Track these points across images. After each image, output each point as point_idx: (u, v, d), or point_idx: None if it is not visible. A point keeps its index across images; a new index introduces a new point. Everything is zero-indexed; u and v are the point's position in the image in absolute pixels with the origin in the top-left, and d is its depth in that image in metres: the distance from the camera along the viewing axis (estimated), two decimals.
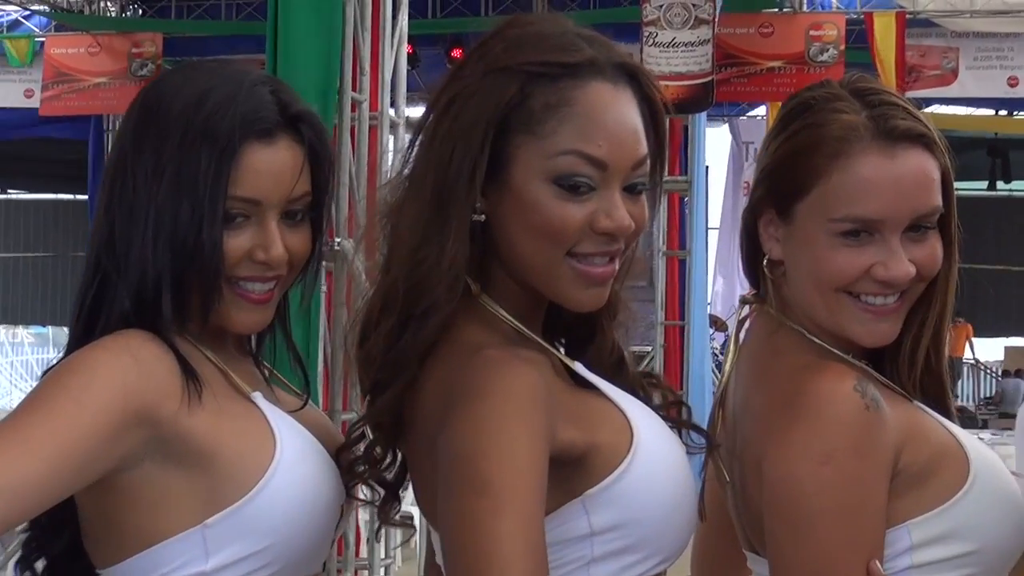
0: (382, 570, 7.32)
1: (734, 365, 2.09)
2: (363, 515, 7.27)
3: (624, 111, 1.92)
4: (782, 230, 2.04)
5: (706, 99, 13.39)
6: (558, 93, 1.88)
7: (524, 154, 1.88)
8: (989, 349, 27.10)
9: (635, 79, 1.95)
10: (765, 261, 2.07)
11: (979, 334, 25.06)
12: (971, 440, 2.02)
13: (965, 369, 28.28)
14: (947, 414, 2.06)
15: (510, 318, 1.93)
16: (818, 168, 1.98)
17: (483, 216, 1.90)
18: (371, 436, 2.00)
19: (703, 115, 14.15)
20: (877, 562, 1.86)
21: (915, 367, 2.06)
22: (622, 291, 2.04)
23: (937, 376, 2.09)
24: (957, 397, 25.30)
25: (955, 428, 2.03)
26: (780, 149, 2.04)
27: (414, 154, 1.97)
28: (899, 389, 2.02)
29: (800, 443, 1.88)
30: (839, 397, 1.89)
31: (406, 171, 1.97)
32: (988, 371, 27.66)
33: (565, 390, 1.89)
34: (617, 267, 1.94)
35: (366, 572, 7.43)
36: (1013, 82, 16.74)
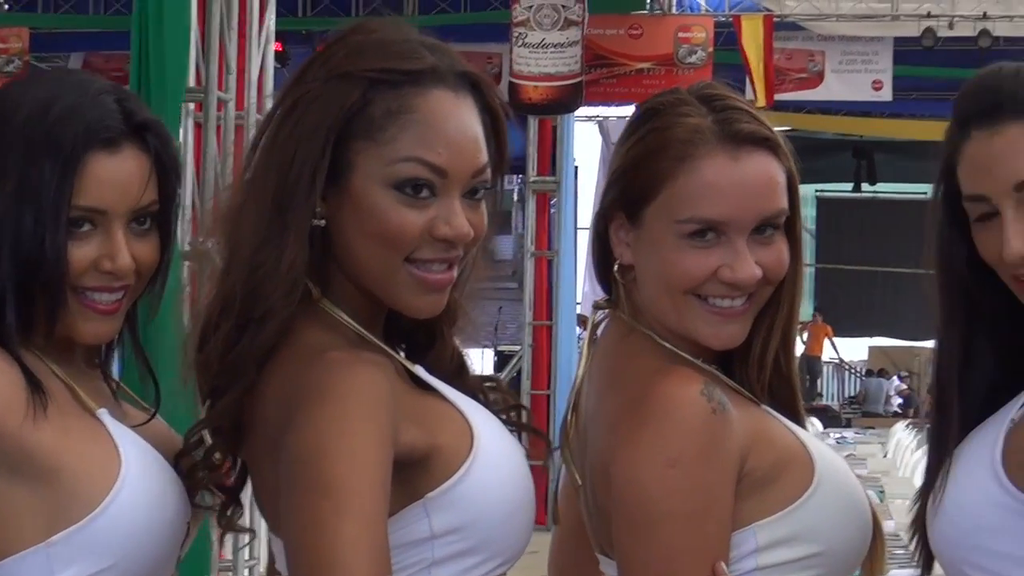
0: (246, 571, 7.26)
1: (587, 369, 2.09)
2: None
3: (465, 119, 1.94)
4: (632, 234, 2.04)
5: (575, 100, 13.48)
6: (399, 100, 1.90)
7: (364, 160, 1.89)
8: (854, 349, 27.57)
9: (477, 88, 1.98)
10: (616, 266, 2.07)
11: (844, 334, 25.49)
12: (816, 444, 2.04)
13: (829, 369, 28.75)
14: (796, 417, 2.08)
15: (351, 322, 1.94)
16: (665, 171, 1.99)
17: (323, 221, 1.91)
18: (210, 441, 1.99)
19: (572, 116, 14.23)
20: (723, 564, 1.88)
21: (764, 370, 2.07)
22: (463, 297, 2.06)
23: (787, 379, 2.11)
24: (820, 396, 25.72)
25: (801, 432, 2.05)
26: (628, 154, 2.05)
27: (256, 158, 1.97)
28: (747, 393, 2.04)
29: (647, 446, 1.89)
30: (686, 401, 1.90)
31: (247, 175, 1.97)
32: (852, 371, 28.13)
33: (407, 392, 1.91)
34: (455, 274, 1.96)
35: (231, 574, 7.38)
36: (878, 85, 17.03)
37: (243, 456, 1.98)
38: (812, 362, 22.95)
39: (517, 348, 14.03)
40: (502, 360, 17.54)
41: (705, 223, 1.97)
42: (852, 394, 27.39)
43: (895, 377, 26.11)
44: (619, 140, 2.10)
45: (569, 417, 2.09)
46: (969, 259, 2.05)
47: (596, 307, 2.14)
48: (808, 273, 27.15)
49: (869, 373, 26.32)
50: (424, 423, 1.88)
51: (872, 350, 26.54)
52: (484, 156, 1.95)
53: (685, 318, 2.00)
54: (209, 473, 1.99)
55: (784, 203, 2.03)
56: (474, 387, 2.05)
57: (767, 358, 2.06)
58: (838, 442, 12.79)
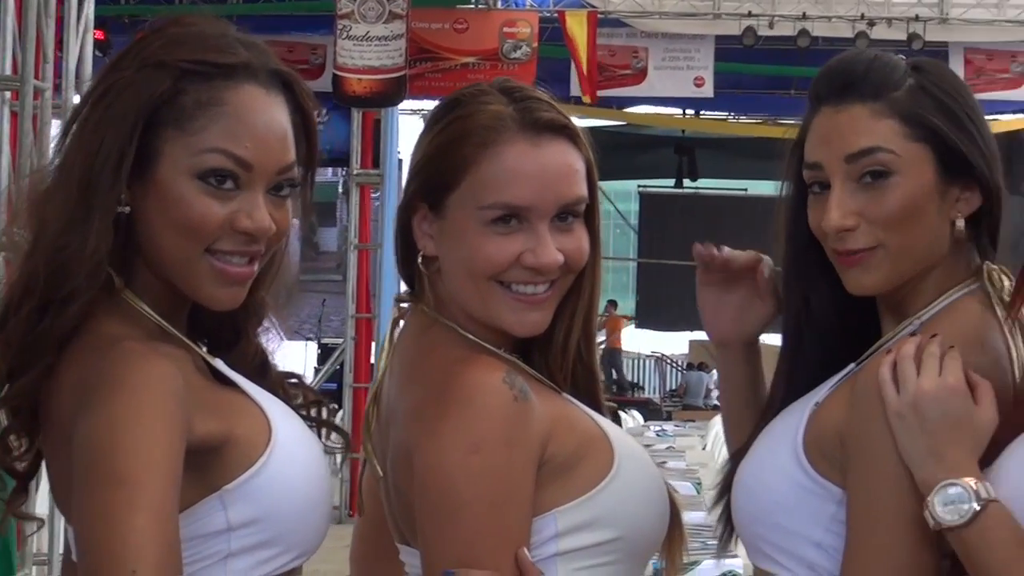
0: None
1: (389, 363, 2.10)
2: (43, 509, 7.08)
3: (274, 116, 1.97)
4: (435, 225, 2.06)
5: (399, 93, 13.47)
6: (210, 92, 1.92)
7: (171, 149, 1.91)
8: (675, 343, 27.95)
9: (289, 87, 2.01)
10: (420, 258, 2.09)
11: (665, 328, 25.81)
12: (616, 431, 2.08)
13: (651, 363, 29.12)
14: (597, 405, 2.12)
15: (152, 313, 1.95)
16: (467, 158, 2.01)
17: (127, 208, 1.92)
18: (7, 423, 1.98)
19: (396, 109, 14.21)
20: (524, 550, 1.90)
21: (567, 358, 2.10)
22: (280, 292, 2.10)
23: (588, 367, 2.14)
24: (639, 388, 26.03)
25: (601, 420, 2.08)
26: (431, 144, 2.06)
27: (66, 143, 1.97)
28: (548, 381, 2.07)
29: (450, 434, 1.90)
30: (488, 389, 1.92)
31: (57, 160, 1.97)
32: (673, 364, 28.51)
33: (205, 386, 1.93)
34: (256, 269, 1.98)
35: (45, 567, 7.26)
36: (699, 82, 17.27)
37: (40, 443, 1.96)
38: (613, 354, 23.14)
39: (340, 341, 13.97)
40: (325, 353, 17.48)
41: (508, 208, 1.99)
42: (673, 387, 27.77)
43: (714, 371, 26.45)
44: (422, 131, 2.12)
45: (371, 410, 2.10)
46: (809, 235, 2.12)
47: (398, 300, 2.15)
48: (630, 268, 27.49)
49: (689, 367, 26.68)
50: (221, 415, 1.90)
51: (692, 344, 26.88)
52: (291, 154, 1.98)
53: (489, 306, 2.02)
54: (2, 455, 1.97)
55: (584, 191, 2.06)
56: (276, 384, 2.08)
57: (569, 346, 2.09)
58: (658, 435, 12.90)
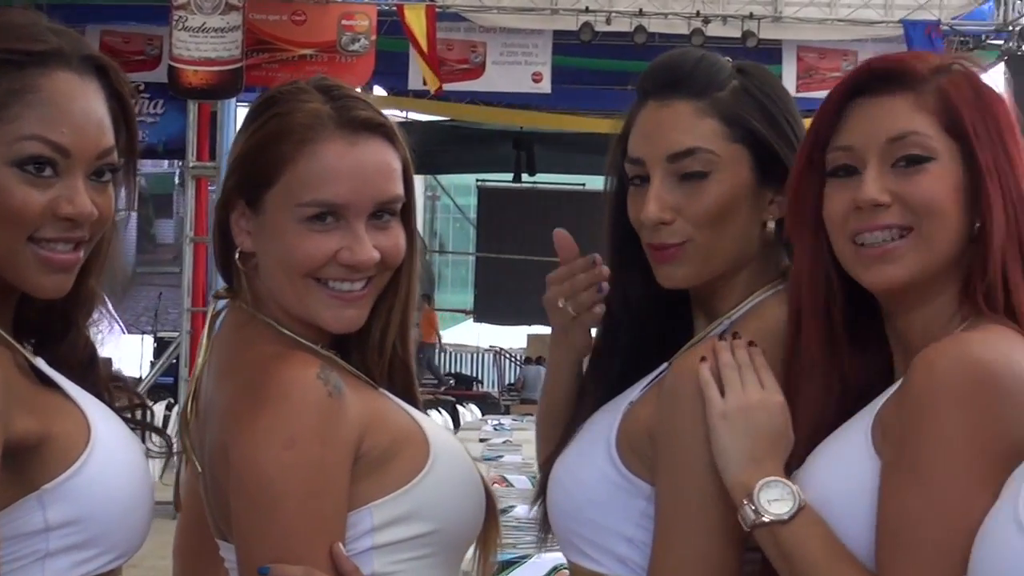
0: None
1: (207, 359, 2.11)
2: None
3: (89, 102, 1.97)
4: (253, 221, 2.06)
5: (235, 85, 13.36)
6: (23, 80, 1.91)
7: None
8: (513, 337, 28.04)
9: (103, 72, 2.00)
10: (238, 254, 2.09)
11: (504, 322, 25.88)
12: (433, 426, 2.11)
13: (489, 356, 29.18)
14: (413, 400, 2.14)
15: None
16: (285, 155, 2.02)
17: None
18: None
19: (233, 101, 14.08)
20: (340, 545, 1.91)
21: (384, 355, 2.12)
22: (111, 282, 2.12)
23: (404, 363, 2.16)
24: (477, 382, 26.07)
25: (417, 414, 2.11)
26: (249, 141, 2.07)
27: None
28: (365, 377, 2.08)
29: (265, 429, 1.91)
30: (303, 384, 1.93)
31: None
32: (511, 359, 28.61)
33: (24, 384, 1.91)
34: (82, 255, 1.97)
35: None
36: (537, 77, 17.33)
37: None
38: (427, 348, 23.15)
39: (177, 335, 13.83)
40: (161, 346, 17.24)
41: (324, 206, 2.01)
42: (511, 381, 27.85)
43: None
44: (240, 127, 2.13)
45: (188, 406, 2.10)
46: (630, 228, 2.15)
47: (216, 297, 2.16)
48: (469, 262, 27.52)
49: (528, 361, 26.76)
50: (39, 414, 1.89)
51: (531, 338, 27.01)
52: (109, 138, 1.98)
53: (306, 302, 2.03)
54: None
55: (400, 189, 2.08)
56: (100, 384, 2.07)
57: (386, 343, 2.12)
58: (496, 428, 12.94)
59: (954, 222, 1.91)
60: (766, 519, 1.86)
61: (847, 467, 1.88)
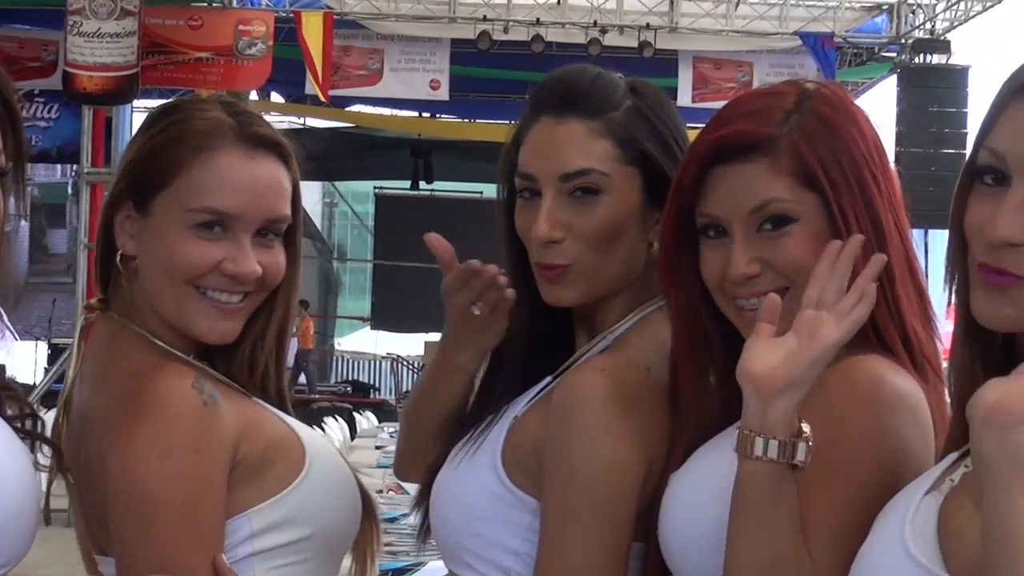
0: None
1: (78, 370, 2.09)
2: None
3: None
4: (139, 224, 2.06)
5: (131, 91, 13.23)
6: None
7: None
8: (410, 344, 28.01)
9: None
10: (119, 256, 2.08)
11: (401, 330, 25.83)
12: (308, 432, 2.12)
13: (387, 364, 29.11)
14: (284, 407, 2.15)
15: None
16: (181, 160, 2.02)
17: None
18: None
19: (128, 107, 13.96)
20: (222, 556, 1.92)
21: (255, 372, 2.13)
22: (11, 291, 2.06)
23: (277, 381, 2.17)
24: (375, 389, 26.00)
25: (292, 421, 2.12)
26: (145, 145, 2.07)
27: None
28: (237, 386, 2.09)
29: (141, 440, 1.91)
30: (178, 395, 1.94)
31: None
32: (408, 366, 28.58)
33: None
34: None
35: None
36: (435, 84, 17.34)
37: None
38: (302, 355, 23.02)
39: (70, 341, 13.71)
40: (55, 353, 17.05)
41: (215, 214, 2.01)
42: (408, 389, 27.79)
43: None
44: (136, 133, 2.12)
45: (60, 419, 2.09)
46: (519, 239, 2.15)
47: (88, 308, 2.14)
48: (367, 269, 27.45)
49: (425, 368, 26.70)
50: None
51: (428, 345, 26.93)
52: None
53: (183, 309, 2.03)
54: None
55: (288, 210, 2.09)
56: None
57: (257, 359, 2.12)
58: (392, 436, 12.90)
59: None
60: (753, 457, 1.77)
61: (717, 480, 1.85)
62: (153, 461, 1.89)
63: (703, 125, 2.00)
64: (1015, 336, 1.68)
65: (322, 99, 16.46)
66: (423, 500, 2.24)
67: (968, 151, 1.73)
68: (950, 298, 1.77)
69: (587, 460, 1.97)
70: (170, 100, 2.15)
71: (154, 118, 2.09)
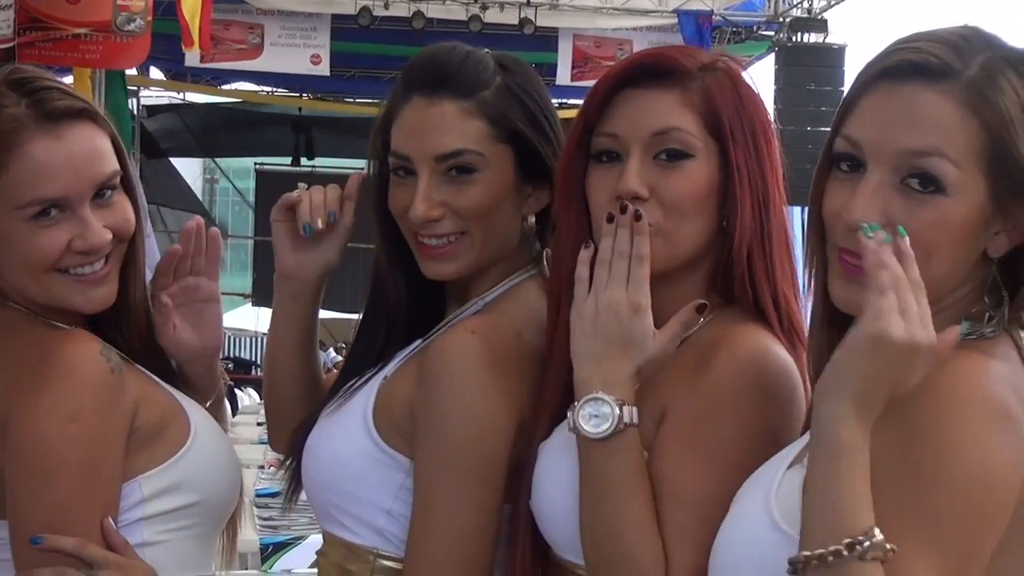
0: None
1: None
2: None
3: None
4: None
5: (6, 65, 13.05)
6: None
7: None
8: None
9: None
10: None
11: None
12: (190, 402, 2.17)
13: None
14: (172, 380, 2.20)
15: None
16: None
17: None
18: None
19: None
20: (110, 520, 1.97)
21: (138, 326, 2.17)
22: None
23: (155, 341, 2.22)
24: (257, 366, 25.83)
25: (177, 392, 2.17)
26: None
27: None
28: (128, 358, 2.10)
29: (48, 403, 1.94)
30: (86, 361, 1.98)
31: None
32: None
33: None
34: None
35: None
36: (316, 60, 17.28)
37: None
38: None
39: None
40: None
41: (45, 202, 2.02)
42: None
43: (331, 349, 26.54)
44: None
45: None
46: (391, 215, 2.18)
47: None
48: (248, 245, 27.24)
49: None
50: None
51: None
52: None
53: (54, 293, 2.06)
54: None
55: (115, 165, 2.10)
56: None
57: (138, 313, 2.17)
58: None
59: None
60: (581, 433, 1.86)
61: None
62: (59, 424, 1.93)
63: (581, 103, 2.02)
64: None
65: (200, 52, 16.30)
66: (291, 461, 2.27)
67: None
68: (809, 282, 1.83)
69: (459, 419, 2.01)
70: None
71: None
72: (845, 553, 1.50)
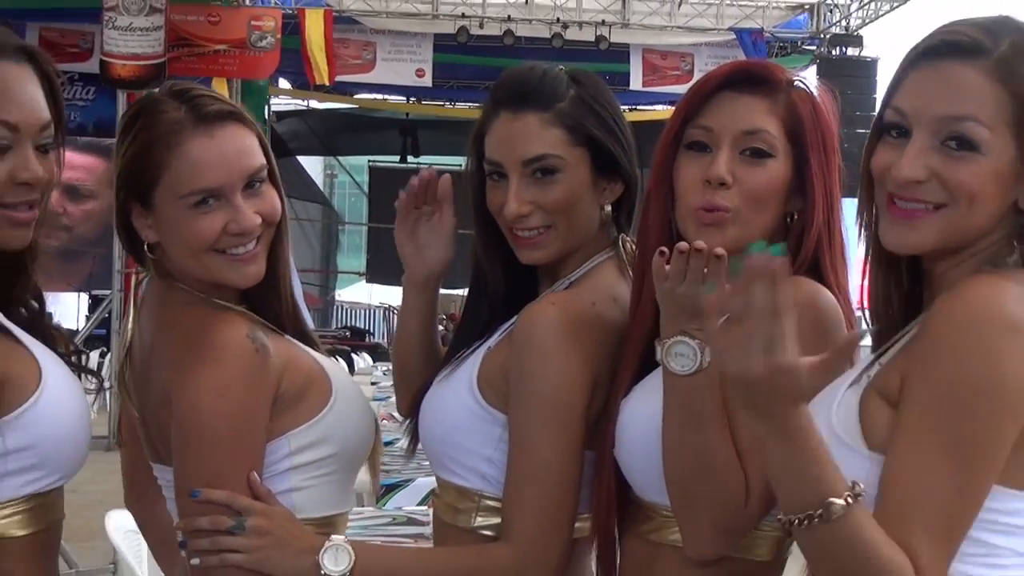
0: None
1: (136, 322, 2.15)
2: None
3: (28, 84, 2.00)
4: (150, 217, 2.10)
5: (159, 77, 13.20)
6: None
7: None
8: (400, 296, 27.91)
9: (34, 59, 2.03)
10: (147, 247, 2.13)
11: (392, 283, 25.72)
12: (333, 366, 2.18)
13: (380, 312, 29.11)
14: (313, 344, 2.20)
15: None
16: (160, 160, 2.05)
17: None
18: None
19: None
20: (255, 474, 1.99)
21: (285, 300, 2.18)
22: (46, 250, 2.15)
23: (298, 309, 2.23)
24: (369, 334, 25.99)
25: (320, 357, 2.17)
26: (127, 154, 2.10)
27: None
28: (275, 327, 2.13)
29: (203, 380, 1.97)
30: (235, 344, 2.00)
31: None
32: (398, 314, 28.49)
33: None
34: (37, 213, 2.03)
35: None
36: (420, 73, 17.33)
37: None
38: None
39: (108, 292, 13.69)
40: (95, 303, 17.05)
41: (203, 192, 2.05)
42: None
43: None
44: (117, 141, 2.15)
45: (124, 361, 2.15)
46: (488, 210, 2.21)
47: (139, 274, 2.20)
48: (362, 231, 27.40)
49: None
50: None
51: None
52: (47, 114, 2.02)
53: (212, 271, 2.08)
54: None
55: (262, 159, 2.12)
56: (47, 331, 2.12)
57: (285, 288, 2.18)
58: (384, 373, 12.87)
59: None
60: (669, 370, 1.88)
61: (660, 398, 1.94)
62: (212, 398, 1.96)
63: (654, 112, 2.03)
64: (920, 261, 1.80)
65: (327, 84, 16.42)
66: (411, 420, 2.30)
67: None
68: (860, 231, 1.88)
69: (543, 376, 2.04)
70: (135, 102, 2.17)
71: (125, 127, 2.12)
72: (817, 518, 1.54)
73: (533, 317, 2.08)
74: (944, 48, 1.72)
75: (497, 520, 2.10)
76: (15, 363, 1.96)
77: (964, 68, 1.70)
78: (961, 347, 1.60)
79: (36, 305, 2.13)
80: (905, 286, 1.83)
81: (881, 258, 1.82)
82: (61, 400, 1.99)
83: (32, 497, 1.97)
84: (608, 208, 2.18)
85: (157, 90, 2.13)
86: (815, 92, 2.04)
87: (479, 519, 2.13)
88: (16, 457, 1.93)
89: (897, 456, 1.62)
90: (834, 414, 1.73)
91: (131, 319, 2.17)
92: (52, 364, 2.02)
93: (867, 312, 1.90)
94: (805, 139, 1.98)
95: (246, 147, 2.09)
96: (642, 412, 1.98)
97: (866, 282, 1.90)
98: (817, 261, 1.99)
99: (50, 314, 2.16)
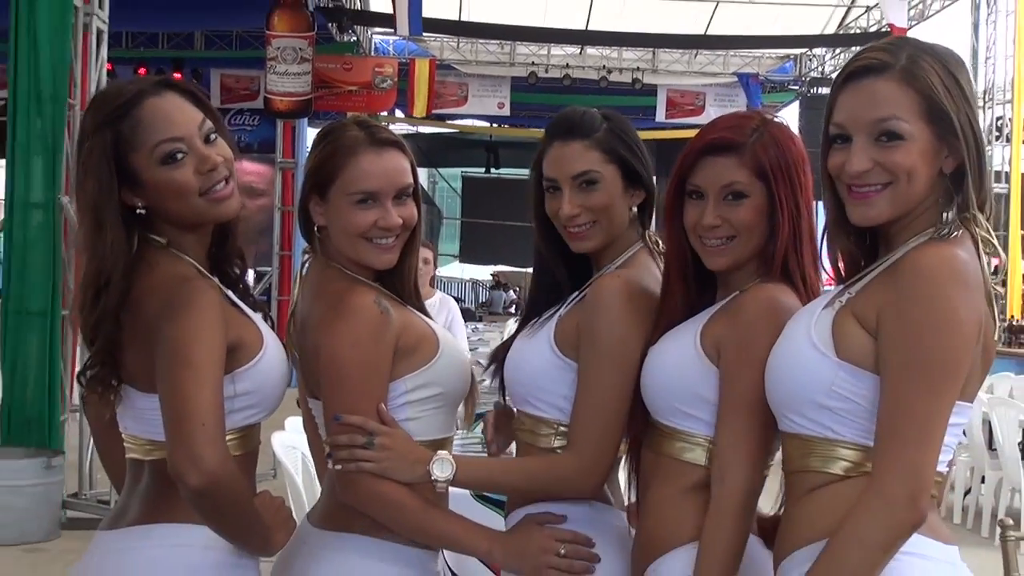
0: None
1: (301, 289, 2.17)
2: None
3: (176, 104, 1.98)
4: (323, 207, 2.12)
5: (307, 110, 13.33)
6: (140, 111, 1.96)
7: (137, 152, 1.95)
8: (485, 272, 28.05)
9: (172, 86, 2.01)
10: (316, 228, 2.15)
11: (478, 263, 25.90)
12: (440, 328, 2.17)
13: (469, 285, 29.16)
14: (425, 314, 2.20)
15: (192, 260, 2.00)
16: (339, 165, 2.08)
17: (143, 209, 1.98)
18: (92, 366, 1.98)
19: (305, 120, 14.00)
20: (383, 404, 2.01)
21: (408, 283, 2.19)
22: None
23: (416, 288, 2.22)
24: (461, 301, 26.09)
25: (430, 321, 2.18)
26: (317, 157, 2.12)
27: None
28: (397, 297, 2.14)
29: (340, 333, 1.98)
30: (365, 307, 2.01)
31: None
32: (483, 286, 28.63)
33: (226, 307, 1.96)
34: (234, 184, 2.02)
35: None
36: (501, 105, 17.36)
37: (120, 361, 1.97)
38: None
39: (269, 269, 13.87)
40: (259, 276, 17.26)
41: (366, 194, 2.07)
42: (482, 300, 27.90)
43: (511, 291, 26.70)
44: (312, 147, 2.17)
45: (291, 320, 2.18)
46: (546, 215, 2.22)
47: (305, 252, 2.20)
48: (457, 224, 27.49)
49: (494, 287, 26.81)
50: (234, 326, 1.96)
51: (494, 274, 27.01)
52: (200, 115, 2.00)
53: (360, 253, 2.10)
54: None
55: (411, 179, 2.13)
56: (254, 302, 2.12)
57: (409, 275, 2.19)
58: (473, 331, 12.95)
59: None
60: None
61: (678, 349, 1.99)
62: (347, 349, 1.98)
63: (675, 131, 2.02)
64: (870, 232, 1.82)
65: (423, 115, 16.45)
66: (498, 366, 2.31)
67: None
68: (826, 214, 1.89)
69: (608, 332, 2.06)
70: (328, 123, 2.18)
71: (319, 138, 2.14)
72: None
73: (605, 285, 2.10)
74: (860, 71, 1.76)
75: None
76: (246, 331, 1.98)
77: (878, 81, 1.74)
78: (926, 297, 1.64)
79: (238, 270, 2.12)
80: (867, 243, 1.84)
81: (849, 232, 1.83)
82: (273, 357, 2.01)
83: (246, 428, 2.00)
84: (635, 209, 2.20)
85: (343, 118, 2.13)
86: (782, 130, 2.03)
87: (557, 441, 2.13)
88: (242, 399, 1.96)
89: (885, 389, 1.66)
90: (812, 328, 1.76)
91: (296, 288, 2.18)
92: (268, 330, 2.05)
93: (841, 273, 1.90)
94: (769, 175, 1.96)
95: (402, 168, 2.11)
96: (663, 356, 2.01)
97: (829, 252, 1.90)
98: (786, 266, 1.98)
99: (246, 282, 2.16)
